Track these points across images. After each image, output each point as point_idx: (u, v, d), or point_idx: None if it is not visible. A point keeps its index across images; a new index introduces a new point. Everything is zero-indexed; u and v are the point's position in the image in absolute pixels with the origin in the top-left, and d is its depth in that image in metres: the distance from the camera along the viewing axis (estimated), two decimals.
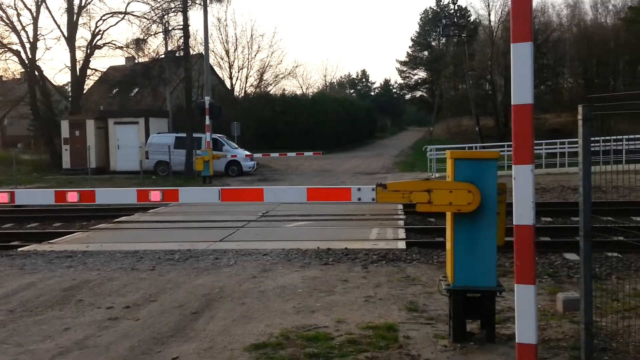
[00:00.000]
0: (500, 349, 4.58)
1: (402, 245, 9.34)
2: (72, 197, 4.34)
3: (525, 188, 3.54)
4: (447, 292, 4.72)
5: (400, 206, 13.64)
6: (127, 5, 39.90)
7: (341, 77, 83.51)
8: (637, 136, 19.18)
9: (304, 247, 9.01)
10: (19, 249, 9.59)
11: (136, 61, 33.22)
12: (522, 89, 3.55)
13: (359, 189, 4.64)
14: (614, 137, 19.66)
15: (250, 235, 10.76)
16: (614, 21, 50.41)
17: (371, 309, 5.77)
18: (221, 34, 48.31)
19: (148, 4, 29.98)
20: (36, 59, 31.69)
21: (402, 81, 79.96)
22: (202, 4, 24.79)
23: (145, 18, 28.35)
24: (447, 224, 4.81)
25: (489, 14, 52.68)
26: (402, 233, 10.56)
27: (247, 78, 45.85)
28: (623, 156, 18.73)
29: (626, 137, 19.18)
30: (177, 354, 4.62)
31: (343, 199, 4.67)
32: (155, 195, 4.43)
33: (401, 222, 11.96)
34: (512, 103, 3.56)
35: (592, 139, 4.02)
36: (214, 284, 6.87)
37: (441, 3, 72.43)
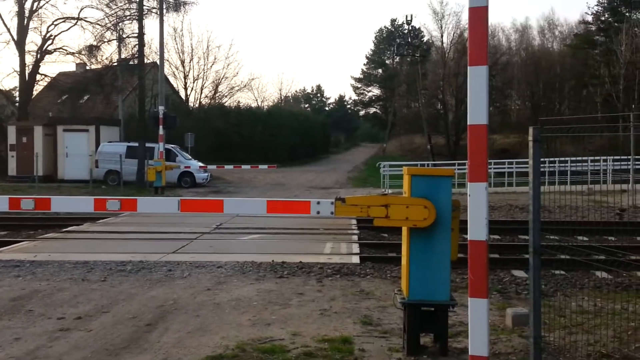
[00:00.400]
0: None
1: (356, 259, 9.44)
2: (27, 204, 4.25)
3: (479, 205, 3.69)
4: (402, 305, 4.83)
5: (354, 221, 13.79)
6: (80, 11, 38.79)
7: (296, 91, 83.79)
8: (581, 158, 20.01)
9: (258, 260, 9.01)
10: None
11: (87, 68, 32.54)
12: (477, 110, 3.72)
13: (318, 203, 4.72)
14: (559, 159, 20.41)
15: (204, 247, 10.68)
16: (561, 47, 52.47)
17: (327, 322, 5.83)
18: (177, 44, 47.52)
19: (102, 10, 29.52)
20: None
21: (356, 97, 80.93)
22: (158, 13, 24.61)
23: (99, 25, 27.84)
24: (403, 239, 4.94)
25: (442, 36, 54.07)
26: (355, 248, 10.67)
27: (202, 89, 45.50)
28: (568, 177, 19.46)
29: (571, 158, 19.96)
30: None
31: (302, 211, 4.73)
32: (113, 204, 4.38)
33: (355, 237, 12.09)
34: (468, 123, 3.71)
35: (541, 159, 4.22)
36: (167, 295, 6.80)
37: (395, 23, 73.90)
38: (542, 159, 4.23)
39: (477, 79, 3.70)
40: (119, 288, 7.14)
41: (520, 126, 41.97)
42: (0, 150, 30.01)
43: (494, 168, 24.84)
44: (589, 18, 49.97)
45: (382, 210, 4.62)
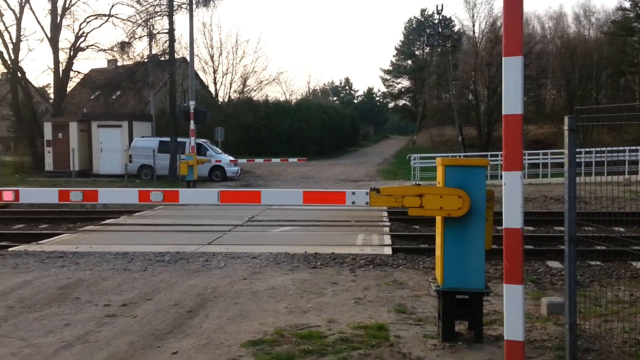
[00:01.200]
0: (488, 348, 4.79)
1: (388, 251, 9.54)
2: (76, 196, 4.46)
3: (514, 193, 3.76)
4: (437, 293, 4.92)
5: (385, 213, 13.88)
6: (112, 8, 39.58)
7: (324, 84, 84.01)
8: (618, 148, 19.69)
9: (291, 252, 9.17)
10: (10, 249, 9.61)
11: (119, 64, 33.11)
12: (512, 100, 3.78)
13: (353, 193, 4.83)
14: (596, 149, 20.08)
15: (238, 239, 10.89)
16: (597, 34, 51.33)
17: (361, 310, 5.95)
18: (206, 39, 47.83)
19: (133, 7, 29.98)
20: (19, 60, 31.48)
21: (385, 89, 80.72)
22: (187, 8, 24.88)
23: (130, 21, 28.30)
24: (437, 228, 5.02)
25: (473, 25, 53.55)
26: (387, 239, 10.76)
27: (231, 83, 45.85)
28: (605, 167, 19.14)
29: (608, 148, 19.65)
30: (176, 349, 4.77)
31: (338, 202, 4.85)
32: (156, 195, 4.57)
33: (386, 229, 12.17)
34: (503, 113, 3.78)
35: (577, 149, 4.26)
36: (206, 284, 7.01)
37: (425, 13, 73.34)
38: (577, 149, 4.27)
39: (512, 70, 3.76)
40: (159, 277, 7.38)
41: (555, 116, 41.17)
42: (36, 146, 30.80)
43: (528, 159, 24.50)
44: (627, 4, 48.75)
45: (416, 200, 4.71)
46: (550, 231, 12.02)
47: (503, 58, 3.78)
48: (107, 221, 13.31)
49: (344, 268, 8.09)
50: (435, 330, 5.19)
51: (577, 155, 4.29)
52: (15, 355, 4.66)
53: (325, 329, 5.30)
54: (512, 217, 3.75)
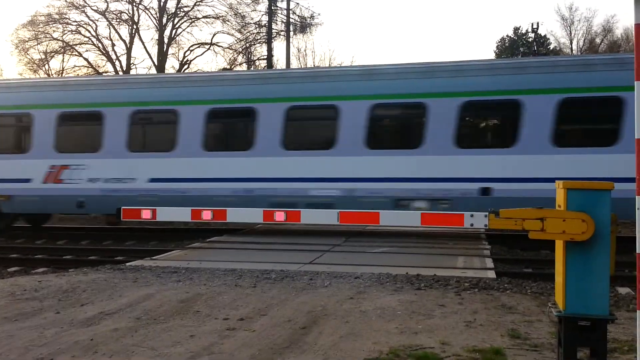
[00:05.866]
0: None
1: (492, 274, 9.37)
2: (206, 215, 4.78)
3: None
4: (558, 318, 4.82)
5: (484, 236, 13.63)
6: (213, 37, 41.67)
7: None
8: None
9: (393, 272, 9.21)
10: (127, 264, 10.28)
11: None
12: None
13: (471, 215, 4.87)
14: None
15: (338, 258, 11.05)
16: None
17: (473, 334, 5.91)
18: (300, 63, 49.33)
19: (233, 36, 31.35)
20: None
21: None
22: (285, 35, 25.77)
23: (231, 49, 29.63)
24: (557, 253, 4.93)
25: (571, 43, 51.68)
26: (489, 262, 10.56)
27: None
28: None
29: None
30: None
31: (456, 224, 4.91)
32: (279, 215, 4.81)
33: (486, 252, 11.93)
34: (636, 137, 3.72)
35: None
36: (315, 302, 7.20)
37: (519, 31, 71.45)
38: None
39: None
40: (269, 294, 7.66)
41: None
42: None
43: None
44: None
45: (537, 223, 4.67)
46: None
47: (635, 82, 3.74)
48: (212, 239, 13.90)
49: (449, 290, 8.04)
50: (552, 356, 5.08)
51: None
52: None
53: (440, 351, 5.32)
54: None
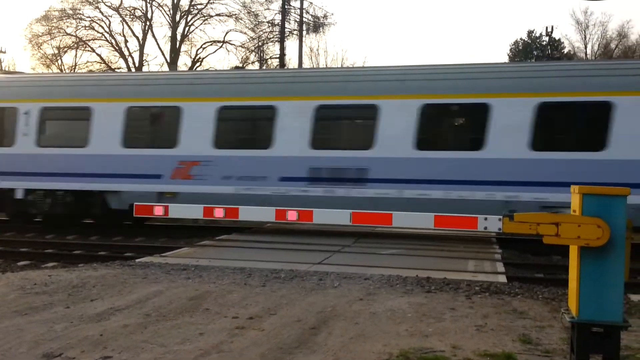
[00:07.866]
0: None
1: (502, 279, 9.32)
2: (219, 212, 4.76)
3: None
4: (571, 324, 4.77)
5: (495, 240, 13.55)
6: (226, 35, 41.67)
7: None
8: None
9: (403, 274, 9.17)
10: (137, 260, 10.30)
11: None
12: None
13: (485, 219, 4.83)
14: None
15: (348, 259, 11.01)
16: None
17: (484, 338, 5.86)
18: (312, 63, 49.30)
19: (246, 34, 31.39)
20: None
21: None
22: (298, 35, 25.78)
23: (244, 47, 29.67)
24: (571, 258, 4.88)
25: (585, 47, 51.34)
26: (500, 267, 10.49)
27: None
28: None
29: None
30: None
31: (469, 227, 4.87)
32: (292, 214, 4.79)
33: (497, 256, 11.85)
34: None
35: None
36: (324, 303, 7.17)
37: (533, 34, 71.07)
38: None
39: None
40: (278, 293, 7.64)
41: None
42: None
43: None
44: None
45: (552, 228, 4.62)
46: None
47: None
48: (221, 237, 13.89)
49: (459, 294, 7.98)
50: None
51: None
52: None
53: (451, 355, 5.27)
54: None
